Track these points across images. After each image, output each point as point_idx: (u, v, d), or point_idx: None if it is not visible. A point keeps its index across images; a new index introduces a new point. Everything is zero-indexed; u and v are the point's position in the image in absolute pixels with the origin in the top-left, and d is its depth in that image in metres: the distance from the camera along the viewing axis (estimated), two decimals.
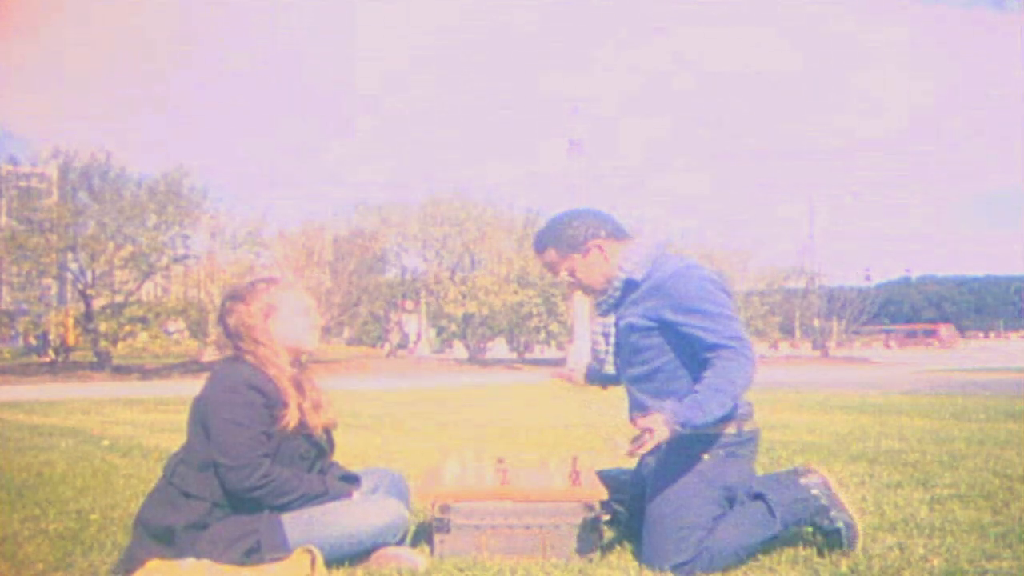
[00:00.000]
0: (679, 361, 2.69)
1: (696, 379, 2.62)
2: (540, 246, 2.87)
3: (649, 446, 2.44)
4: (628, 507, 2.90)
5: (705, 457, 2.64)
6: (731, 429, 2.67)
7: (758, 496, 2.69)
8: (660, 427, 2.44)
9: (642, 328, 2.71)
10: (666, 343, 2.69)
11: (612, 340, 2.82)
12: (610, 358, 2.84)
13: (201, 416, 2.56)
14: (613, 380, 3.02)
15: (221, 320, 2.70)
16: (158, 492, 2.61)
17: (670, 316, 2.65)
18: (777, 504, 2.66)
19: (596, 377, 3.10)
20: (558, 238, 2.82)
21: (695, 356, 2.65)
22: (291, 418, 2.57)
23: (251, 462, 2.49)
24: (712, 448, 2.65)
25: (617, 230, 2.83)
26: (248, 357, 2.61)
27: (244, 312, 2.65)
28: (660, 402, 2.61)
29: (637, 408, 2.80)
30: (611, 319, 2.83)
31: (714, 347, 2.59)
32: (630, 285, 2.76)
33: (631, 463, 2.94)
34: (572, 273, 2.83)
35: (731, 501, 2.67)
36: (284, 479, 2.54)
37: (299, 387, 2.63)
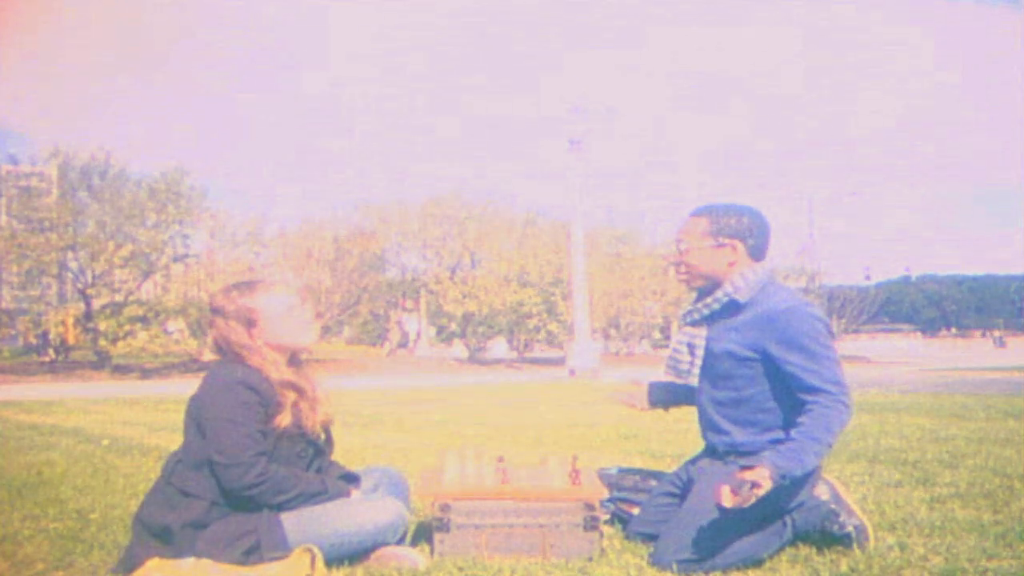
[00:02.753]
0: (770, 394, 2.67)
1: (786, 414, 2.62)
2: (699, 211, 2.82)
3: (753, 500, 2.39)
4: (645, 505, 2.92)
5: None
6: (819, 461, 2.67)
7: None
8: (766, 481, 2.40)
9: (741, 357, 2.68)
10: (761, 375, 2.67)
11: (699, 354, 2.77)
12: (696, 370, 2.79)
13: (197, 415, 2.56)
14: (680, 401, 2.99)
15: (210, 336, 2.71)
16: (156, 491, 2.61)
17: (774, 350, 2.62)
18: (788, 512, 2.66)
19: (661, 399, 3.05)
20: (718, 216, 2.77)
21: (788, 392, 2.63)
22: (285, 418, 2.57)
23: (247, 460, 2.49)
24: None
25: (760, 249, 2.77)
26: (246, 362, 2.62)
27: (223, 326, 2.63)
28: (740, 428, 2.65)
29: (710, 428, 2.80)
30: (701, 331, 2.78)
31: (812, 389, 2.57)
32: (731, 305, 2.72)
33: (632, 462, 2.94)
34: (688, 252, 2.77)
35: (768, 517, 2.63)
36: (281, 478, 2.53)
37: (296, 388, 2.62)
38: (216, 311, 2.66)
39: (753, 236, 2.75)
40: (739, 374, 2.69)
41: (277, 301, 2.67)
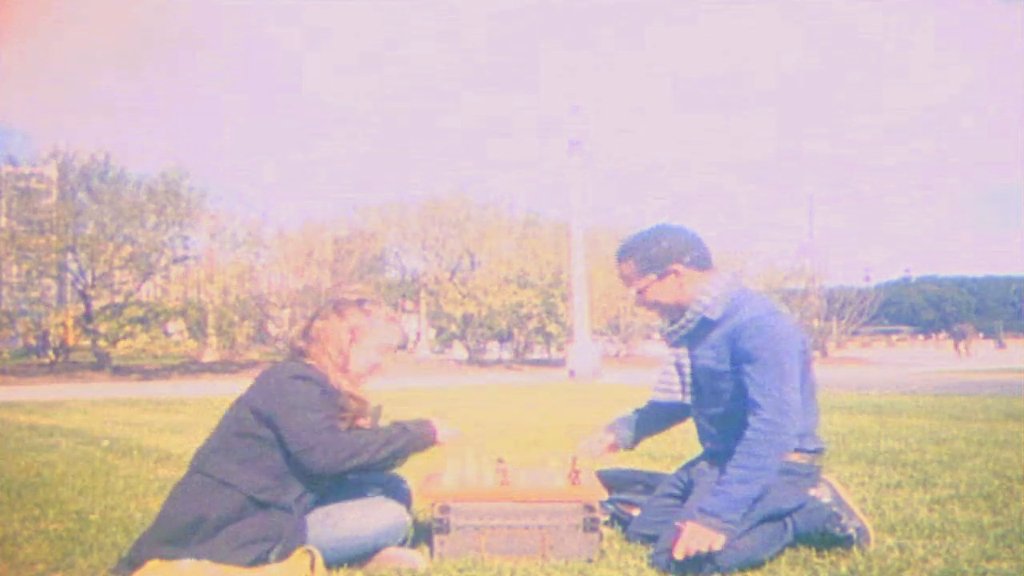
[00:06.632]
0: None
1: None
2: (622, 256, 2.80)
3: (704, 549, 2.43)
4: (644, 505, 2.92)
5: None
6: (803, 460, 2.69)
7: None
8: (716, 539, 2.43)
9: (719, 372, 2.69)
10: (742, 387, 2.66)
11: (687, 372, 2.79)
12: (688, 388, 2.81)
13: (262, 407, 2.54)
14: (651, 430, 3.00)
15: (310, 321, 2.70)
16: (186, 484, 2.57)
17: (737, 361, 2.63)
18: (789, 514, 2.66)
19: (628, 438, 3.02)
20: (641, 253, 2.74)
21: None
22: (343, 426, 2.61)
23: (326, 439, 2.50)
24: (779, 474, 2.61)
25: (702, 259, 2.75)
26: (310, 361, 2.63)
27: (335, 324, 2.66)
28: (736, 439, 2.62)
29: (706, 438, 2.83)
30: (684, 351, 2.79)
31: (752, 404, 2.57)
32: (705, 323, 2.72)
33: (631, 463, 2.93)
34: (643, 292, 2.75)
35: (768, 519, 2.64)
36: (368, 438, 2.55)
37: (360, 401, 2.67)
38: (338, 311, 2.68)
39: (686, 252, 2.73)
40: (722, 389, 2.71)
41: (385, 334, 2.71)
